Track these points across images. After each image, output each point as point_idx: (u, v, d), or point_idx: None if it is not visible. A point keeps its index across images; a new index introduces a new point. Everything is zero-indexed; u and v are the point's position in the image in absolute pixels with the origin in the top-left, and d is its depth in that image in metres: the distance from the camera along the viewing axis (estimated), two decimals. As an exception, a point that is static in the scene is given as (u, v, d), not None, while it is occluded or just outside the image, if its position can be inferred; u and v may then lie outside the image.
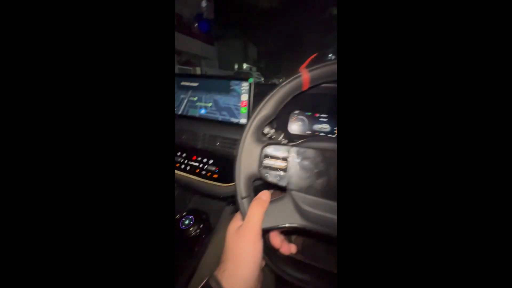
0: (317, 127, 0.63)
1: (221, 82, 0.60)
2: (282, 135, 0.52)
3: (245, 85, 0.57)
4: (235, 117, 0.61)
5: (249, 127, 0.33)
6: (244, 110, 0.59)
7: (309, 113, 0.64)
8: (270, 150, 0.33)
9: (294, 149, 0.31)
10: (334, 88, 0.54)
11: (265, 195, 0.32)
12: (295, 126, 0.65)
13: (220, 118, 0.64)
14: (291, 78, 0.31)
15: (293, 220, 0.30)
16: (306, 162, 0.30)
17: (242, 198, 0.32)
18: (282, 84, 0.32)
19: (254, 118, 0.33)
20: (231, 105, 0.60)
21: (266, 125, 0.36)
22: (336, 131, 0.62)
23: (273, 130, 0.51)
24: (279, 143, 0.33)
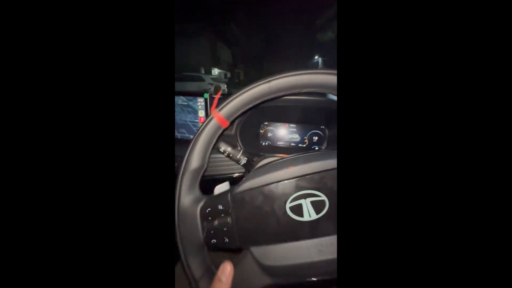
0: (288, 136, 0.60)
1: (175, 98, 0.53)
2: (240, 152, 0.47)
3: (200, 101, 0.50)
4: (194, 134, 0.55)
5: (179, 188, 0.27)
6: (203, 126, 0.53)
7: (278, 124, 0.60)
8: (208, 208, 0.27)
9: (232, 197, 0.26)
10: (296, 99, 0.51)
11: (224, 272, 0.25)
12: (266, 137, 0.61)
13: (179, 136, 0.57)
14: (205, 122, 0.28)
15: (263, 282, 0.25)
16: (250, 207, 0.25)
17: (198, 281, 0.25)
18: (198, 131, 0.27)
19: (182, 177, 0.27)
20: (188, 122, 0.54)
21: (199, 174, 0.29)
22: (306, 140, 0.59)
23: (229, 148, 0.46)
24: (214, 198, 0.27)
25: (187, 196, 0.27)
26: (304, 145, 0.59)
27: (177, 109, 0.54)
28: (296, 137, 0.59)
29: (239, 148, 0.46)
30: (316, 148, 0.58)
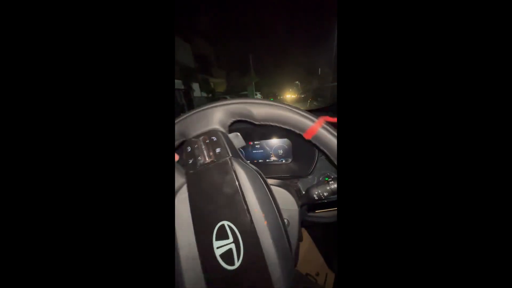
0: (254, 154, 0.61)
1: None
2: None
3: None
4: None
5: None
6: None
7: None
8: None
9: None
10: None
11: None
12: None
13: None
14: None
15: None
16: None
17: None
18: None
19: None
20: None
21: None
22: (272, 155, 0.60)
23: None
24: None
25: None
26: (271, 160, 0.60)
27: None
28: (262, 153, 0.60)
29: None
30: (283, 161, 0.60)
